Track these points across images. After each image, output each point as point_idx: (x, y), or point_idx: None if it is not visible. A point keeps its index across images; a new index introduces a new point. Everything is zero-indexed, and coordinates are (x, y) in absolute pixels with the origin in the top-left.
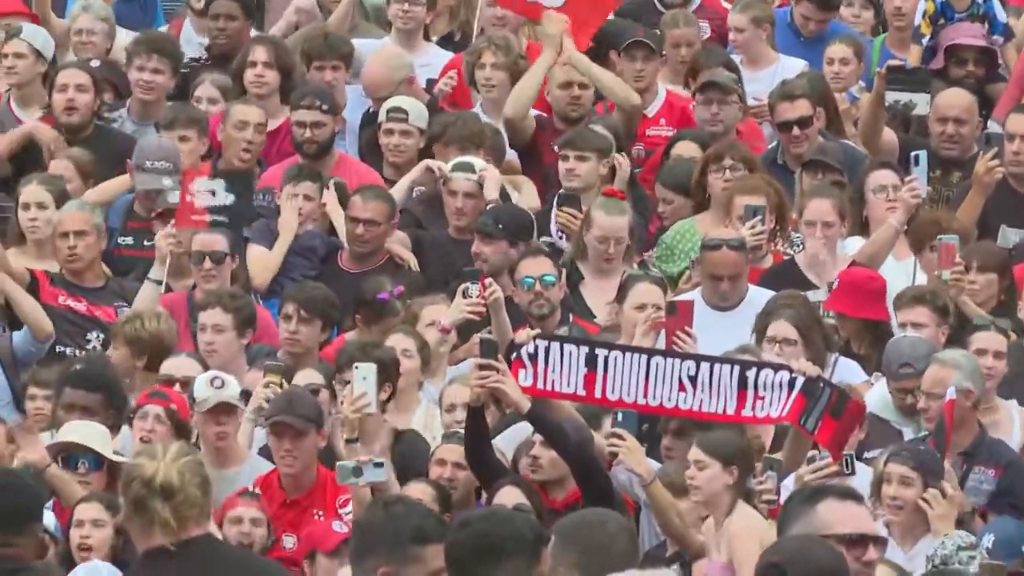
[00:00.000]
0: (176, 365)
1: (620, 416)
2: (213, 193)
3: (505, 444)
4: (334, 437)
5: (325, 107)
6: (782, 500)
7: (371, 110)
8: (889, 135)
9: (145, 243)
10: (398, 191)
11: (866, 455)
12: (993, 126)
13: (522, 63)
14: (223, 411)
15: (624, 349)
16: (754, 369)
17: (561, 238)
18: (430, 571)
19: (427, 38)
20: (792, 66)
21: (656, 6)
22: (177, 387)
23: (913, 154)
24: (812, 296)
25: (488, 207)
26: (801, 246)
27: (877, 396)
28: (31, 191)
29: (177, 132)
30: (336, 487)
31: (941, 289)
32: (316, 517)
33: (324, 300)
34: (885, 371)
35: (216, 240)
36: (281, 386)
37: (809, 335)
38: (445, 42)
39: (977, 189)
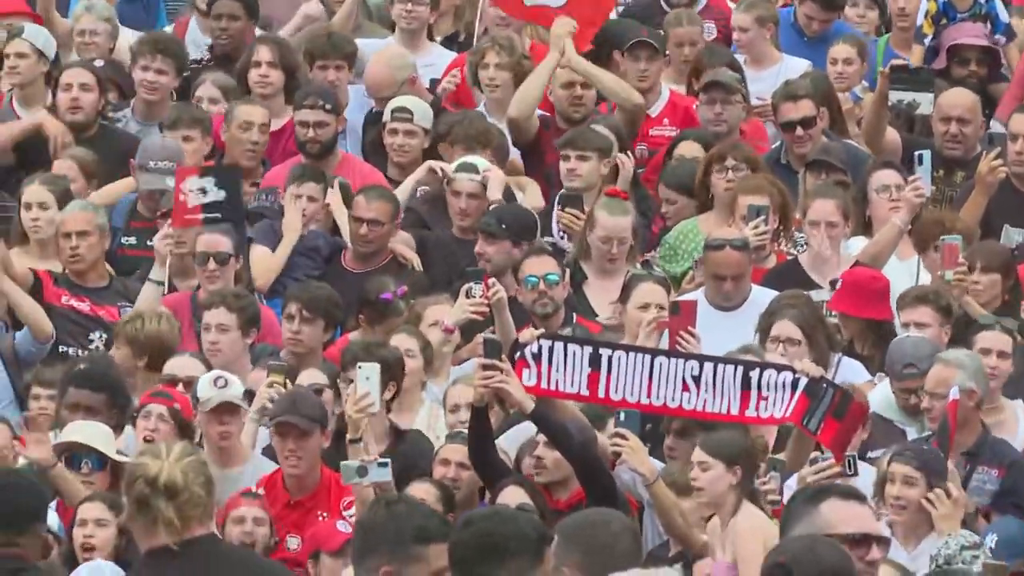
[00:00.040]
0: (179, 365)
1: (623, 416)
2: (204, 191)
3: (508, 444)
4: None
5: (328, 107)
6: (786, 500)
7: (374, 110)
8: (892, 135)
9: (148, 243)
10: (402, 192)
11: (869, 455)
12: (996, 126)
13: (526, 63)
14: (226, 411)
15: (628, 349)
16: (757, 369)
17: (563, 238)
18: (432, 571)
19: (431, 38)
20: (796, 66)
21: (662, 6)
22: (180, 387)
23: (917, 153)
24: (815, 296)
25: (491, 207)
26: (804, 246)
27: (880, 396)
28: (33, 191)
29: (181, 132)
30: (340, 488)
31: (944, 289)
32: (320, 518)
33: (327, 300)
34: (888, 371)
35: (220, 241)
36: (285, 386)
37: (813, 335)
38: (449, 42)
39: (980, 189)
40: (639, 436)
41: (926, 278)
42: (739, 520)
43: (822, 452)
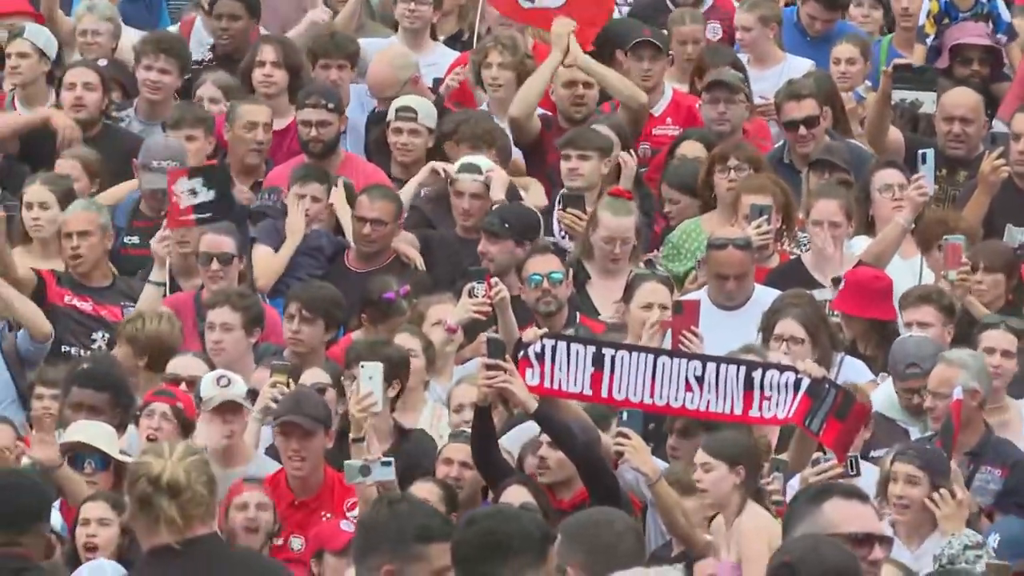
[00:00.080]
0: (182, 364)
1: (626, 415)
2: (194, 192)
3: (511, 444)
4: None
5: (331, 106)
6: (788, 500)
7: (376, 109)
8: (895, 134)
9: (151, 242)
10: (405, 194)
11: (872, 454)
12: (998, 125)
13: (529, 63)
14: (229, 410)
15: (631, 349)
16: (760, 370)
17: (564, 238)
18: (434, 570)
19: (434, 37)
20: (799, 65)
21: (667, 5)
22: (183, 386)
23: (920, 152)
24: (818, 295)
25: (494, 207)
26: (807, 246)
27: (883, 395)
28: (34, 191)
29: (183, 132)
30: (344, 489)
31: (947, 288)
32: (324, 519)
33: (327, 300)
34: (891, 371)
35: (223, 241)
36: (288, 385)
37: (816, 333)
38: (453, 41)
39: (983, 188)
40: (642, 435)
41: (929, 277)
42: (744, 520)
43: (824, 453)
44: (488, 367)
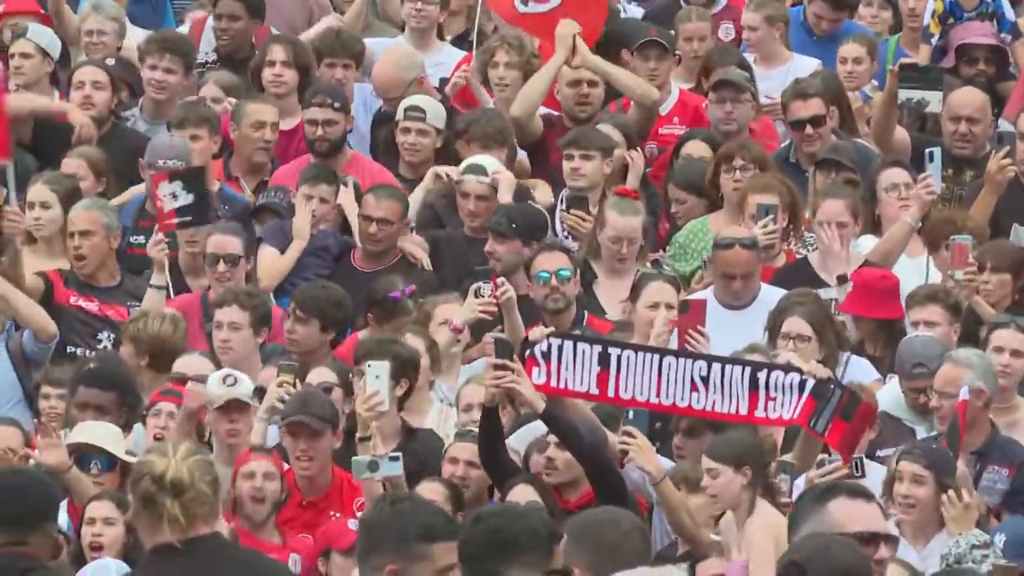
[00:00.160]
0: (188, 363)
1: (631, 414)
2: (175, 196)
3: (519, 444)
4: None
5: (337, 105)
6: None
7: (382, 109)
8: (901, 133)
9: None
10: (414, 201)
11: (879, 453)
12: (1005, 125)
13: (535, 62)
14: (235, 408)
15: (637, 348)
16: (765, 370)
17: (567, 238)
18: (437, 569)
19: (441, 37)
20: (806, 65)
21: (681, 6)
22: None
23: (927, 151)
24: (823, 294)
25: (501, 207)
26: (814, 246)
27: (890, 395)
28: (36, 190)
29: (188, 131)
30: (353, 489)
31: (953, 287)
32: (333, 518)
33: (322, 300)
34: (898, 370)
35: (229, 242)
36: (294, 385)
37: (823, 332)
38: (460, 41)
39: (989, 188)
40: (648, 434)
41: (936, 276)
42: (754, 520)
43: (830, 454)
44: (496, 367)
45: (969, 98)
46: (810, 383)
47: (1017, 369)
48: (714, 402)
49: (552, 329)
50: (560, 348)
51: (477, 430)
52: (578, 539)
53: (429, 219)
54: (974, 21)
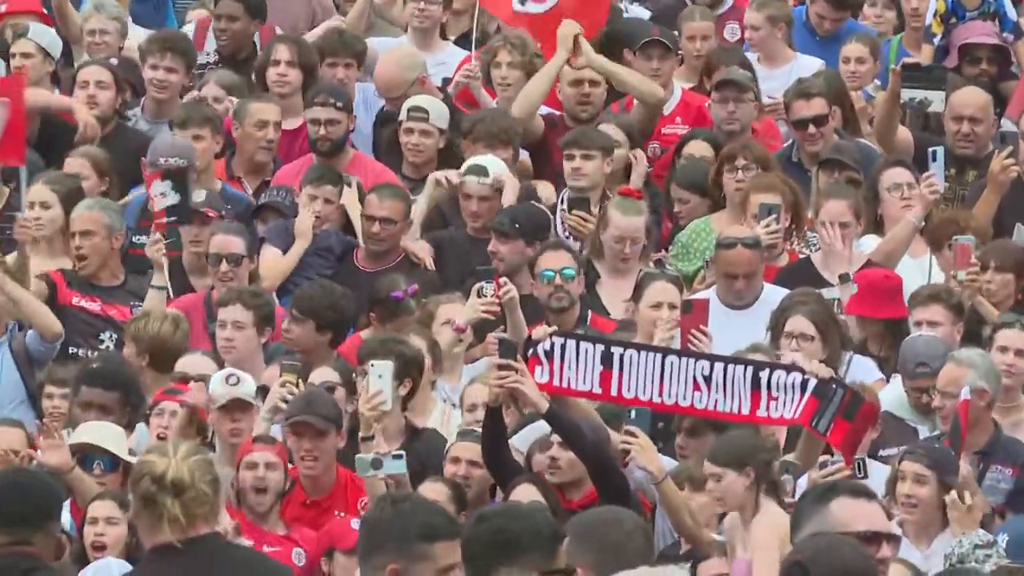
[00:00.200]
0: (191, 363)
1: (633, 413)
2: (164, 195)
3: (522, 444)
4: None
5: (340, 104)
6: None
7: (385, 109)
8: (904, 133)
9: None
10: (418, 210)
11: (881, 453)
12: (1007, 124)
13: (538, 62)
14: (238, 408)
15: (640, 347)
16: (767, 370)
17: (568, 239)
18: (439, 568)
19: (445, 37)
20: (809, 65)
21: (687, 6)
22: (192, 385)
23: (931, 150)
24: (826, 294)
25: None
26: (817, 246)
27: (892, 394)
28: (35, 190)
29: (191, 131)
30: (358, 488)
31: (956, 287)
32: (337, 518)
33: (317, 301)
34: (901, 370)
35: (232, 242)
36: (297, 385)
37: (827, 331)
38: (464, 41)
39: (992, 187)
40: (650, 434)
41: (938, 276)
42: (760, 519)
43: (832, 454)
44: (500, 367)
45: (972, 98)
46: (812, 383)
47: (1022, 369)
48: (716, 401)
49: (555, 328)
50: (563, 347)
51: (480, 430)
52: (581, 539)
53: (434, 217)
54: (976, 21)
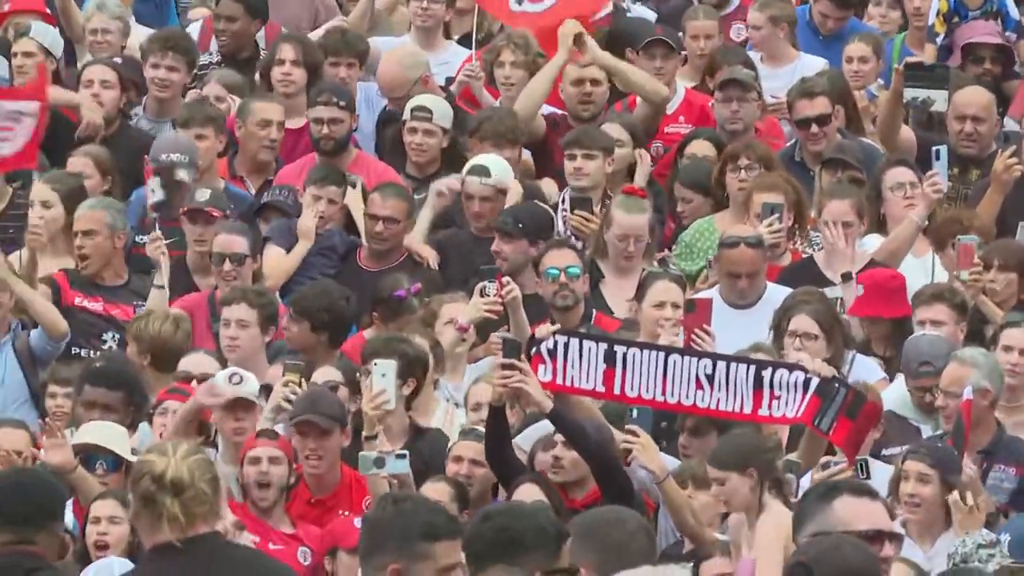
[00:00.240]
0: (194, 362)
1: (635, 413)
2: (153, 192)
3: (525, 443)
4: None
5: (342, 103)
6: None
7: (388, 108)
8: (907, 133)
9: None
10: (423, 221)
11: (884, 452)
12: (1010, 124)
13: (540, 61)
14: (241, 407)
15: (643, 346)
16: (769, 369)
17: (570, 238)
18: (440, 568)
19: (448, 36)
20: (812, 64)
21: (693, 5)
22: (195, 384)
23: (934, 149)
24: (829, 293)
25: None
26: (820, 245)
27: (896, 393)
28: (37, 189)
29: (194, 131)
30: (362, 487)
31: (959, 286)
32: (342, 516)
33: (312, 301)
34: (904, 369)
35: (235, 241)
36: (300, 385)
37: (831, 330)
38: (467, 40)
39: (996, 187)
40: (652, 433)
41: (941, 275)
42: (765, 518)
43: (835, 454)
44: (504, 367)
45: (975, 97)
46: (815, 381)
47: None
48: (719, 400)
49: (558, 327)
50: (566, 346)
51: (483, 429)
52: (584, 538)
53: (439, 216)
54: (979, 20)
